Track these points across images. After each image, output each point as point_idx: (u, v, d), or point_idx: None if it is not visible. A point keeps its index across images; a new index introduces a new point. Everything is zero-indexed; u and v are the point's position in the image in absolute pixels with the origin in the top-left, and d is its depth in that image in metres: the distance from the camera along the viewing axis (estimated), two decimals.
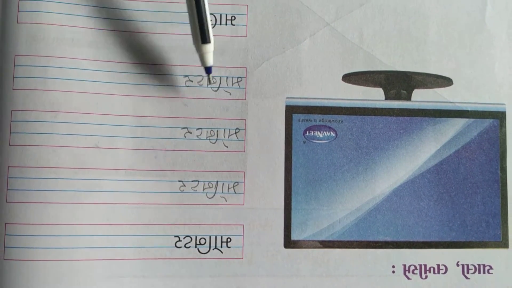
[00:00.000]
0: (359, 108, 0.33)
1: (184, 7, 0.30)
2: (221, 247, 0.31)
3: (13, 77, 0.31)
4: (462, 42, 0.34)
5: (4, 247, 0.30)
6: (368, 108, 0.33)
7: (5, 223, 0.30)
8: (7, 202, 0.30)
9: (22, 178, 0.30)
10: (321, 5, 0.33)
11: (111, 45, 0.32)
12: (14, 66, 0.31)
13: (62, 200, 0.30)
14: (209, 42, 0.30)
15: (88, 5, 0.31)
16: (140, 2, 0.32)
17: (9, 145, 0.30)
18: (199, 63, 0.32)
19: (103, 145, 0.31)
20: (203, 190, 0.32)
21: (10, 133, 0.30)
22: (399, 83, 0.33)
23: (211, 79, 0.32)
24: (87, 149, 0.31)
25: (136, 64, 0.32)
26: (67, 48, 0.31)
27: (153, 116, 0.32)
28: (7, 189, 0.30)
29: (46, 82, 0.31)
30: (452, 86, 0.33)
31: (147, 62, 0.32)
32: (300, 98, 0.33)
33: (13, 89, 0.31)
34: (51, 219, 0.30)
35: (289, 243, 0.32)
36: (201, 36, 0.30)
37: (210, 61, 0.31)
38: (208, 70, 0.31)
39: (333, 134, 0.33)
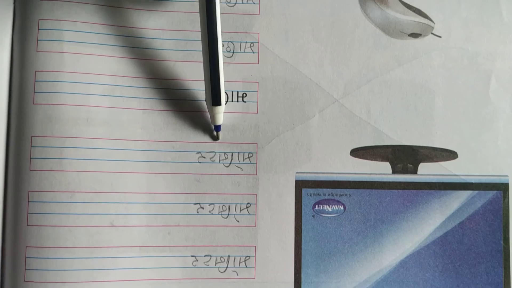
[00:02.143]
0: (367, 182, 0.34)
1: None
2: None
3: (30, 158, 0.31)
4: (467, 116, 0.34)
5: None
6: (375, 182, 0.34)
7: None
8: (25, 281, 0.31)
9: (39, 258, 0.31)
10: (330, 82, 0.34)
11: (125, 123, 0.32)
12: (31, 147, 0.31)
13: (78, 279, 0.31)
14: (220, 104, 0.31)
15: (102, 84, 0.32)
16: (152, 79, 0.33)
17: (27, 225, 0.31)
18: (211, 140, 0.33)
19: (118, 223, 0.32)
20: (215, 264, 0.32)
21: (28, 213, 0.31)
22: (405, 157, 0.34)
23: (219, 135, 0.33)
24: (102, 227, 0.31)
25: (149, 142, 0.32)
26: (82, 128, 0.32)
27: (166, 193, 0.32)
28: (25, 269, 0.31)
29: (62, 163, 0.31)
30: (457, 159, 0.34)
31: (160, 140, 0.33)
32: (309, 173, 0.33)
33: (30, 170, 0.31)
34: None
35: None
36: (213, 98, 0.31)
37: (220, 120, 0.32)
38: (217, 128, 0.33)
39: (341, 207, 0.34)
